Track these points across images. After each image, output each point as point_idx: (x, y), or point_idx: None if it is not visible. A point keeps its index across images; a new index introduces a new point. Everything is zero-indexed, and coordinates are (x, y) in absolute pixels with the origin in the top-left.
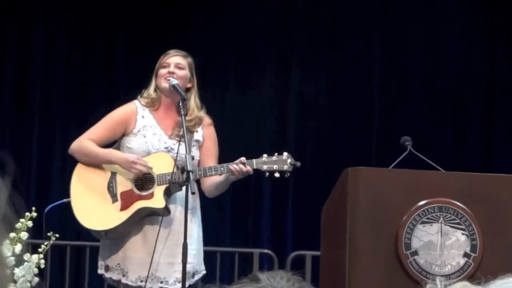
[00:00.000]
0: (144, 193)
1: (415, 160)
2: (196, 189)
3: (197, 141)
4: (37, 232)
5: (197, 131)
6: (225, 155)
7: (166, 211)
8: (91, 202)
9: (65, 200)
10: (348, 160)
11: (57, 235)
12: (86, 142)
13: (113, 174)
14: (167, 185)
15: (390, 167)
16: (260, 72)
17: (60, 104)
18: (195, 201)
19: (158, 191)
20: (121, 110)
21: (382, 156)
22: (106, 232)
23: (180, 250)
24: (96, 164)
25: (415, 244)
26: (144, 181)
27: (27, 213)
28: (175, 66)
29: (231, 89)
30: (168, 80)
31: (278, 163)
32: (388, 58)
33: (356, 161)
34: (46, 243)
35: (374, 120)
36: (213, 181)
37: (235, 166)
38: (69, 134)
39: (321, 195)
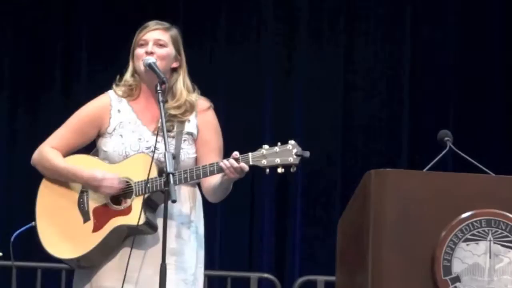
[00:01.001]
0: (120, 208)
1: (457, 160)
2: (184, 196)
3: (190, 133)
4: None
5: (189, 120)
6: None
7: (148, 228)
8: (59, 224)
9: (33, 223)
10: (370, 161)
11: (0, 254)
12: (46, 152)
13: (85, 187)
14: (147, 194)
15: (425, 169)
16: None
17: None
18: (192, 212)
19: (136, 203)
20: (90, 106)
21: (414, 155)
22: (77, 259)
23: (173, 276)
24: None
25: (457, 267)
26: (122, 192)
27: None
28: (155, 43)
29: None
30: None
31: (281, 155)
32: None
33: (381, 162)
34: None
35: (403, 111)
36: (209, 183)
37: (225, 162)
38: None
39: (337, 205)
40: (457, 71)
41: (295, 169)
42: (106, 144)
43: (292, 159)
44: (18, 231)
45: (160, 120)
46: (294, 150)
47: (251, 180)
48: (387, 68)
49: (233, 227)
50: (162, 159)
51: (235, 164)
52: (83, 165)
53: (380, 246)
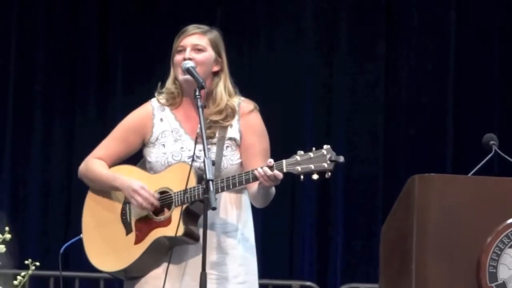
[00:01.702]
0: (160, 219)
1: (502, 164)
2: (228, 203)
3: (233, 139)
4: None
5: (231, 126)
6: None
7: (188, 238)
8: (103, 236)
9: (81, 236)
10: (414, 166)
11: (37, 263)
12: (92, 163)
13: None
14: (186, 205)
15: (470, 174)
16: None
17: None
18: (238, 219)
19: (175, 214)
20: (133, 115)
21: (459, 160)
22: (123, 271)
23: (214, 287)
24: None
25: (503, 274)
26: (163, 203)
27: None
28: (192, 48)
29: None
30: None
31: (315, 161)
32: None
33: (426, 167)
34: (23, 273)
35: (448, 114)
36: (252, 190)
37: (259, 170)
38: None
39: (379, 211)
40: (502, 74)
41: (329, 175)
42: (150, 154)
43: (326, 165)
44: (67, 243)
45: (206, 128)
46: (328, 156)
47: (291, 187)
48: (430, 75)
49: (274, 234)
50: (203, 166)
51: (269, 172)
52: (126, 174)
53: (424, 253)
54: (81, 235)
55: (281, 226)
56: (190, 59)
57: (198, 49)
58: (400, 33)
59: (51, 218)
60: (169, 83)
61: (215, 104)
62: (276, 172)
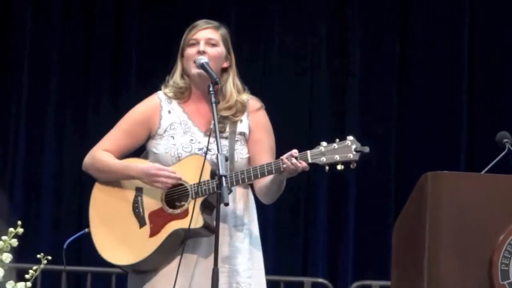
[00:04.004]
0: (176, 211)
1: None
2: (237, 197)
3: (242, 133)
4: (24, 253)
5: (241, 121)
6: None
7: (206, 230)
8: (114, 229)
9: (86, 230)
10: (427, 163)
11: (49, 258)
12: (100, 155)
13: (139, 190)
14: (203, 197)
15: (483, 172)
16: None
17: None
18: (245, 214)
19: (192, 206)
20: (141, 107)
21: (473, 157)
22: (135, 265)
23: (225, 280)
24: (115, 180)
25: None
26: (177, 195)
27: (11, 229)
28: (206, 42)
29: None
30: (195, 61)
31: (340, 151)
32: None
33: (439, 164)
34: (35, 267)
35: (462, 111)
36: (262, 184)
37: (286, 162)
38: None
39: (392, 208)
40: None
41: (355, 165)
42: (157, 146)
43: (351, 155)
44: (71, 238)
45: (212, 121)
46: (353, 146)
47: (306, 184)
48: (445, 72)
49: (286, 231)
50: (215, 160)
51: (299, 164)
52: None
53: (436, 250)
54: (87, 229)
55: (294, 223)
56: (204, 52)
57: (211, 44)
58: (413, 30)
59: (63, 213)
60: (177, 77)
61: (225, 100)
62: (303, 163)
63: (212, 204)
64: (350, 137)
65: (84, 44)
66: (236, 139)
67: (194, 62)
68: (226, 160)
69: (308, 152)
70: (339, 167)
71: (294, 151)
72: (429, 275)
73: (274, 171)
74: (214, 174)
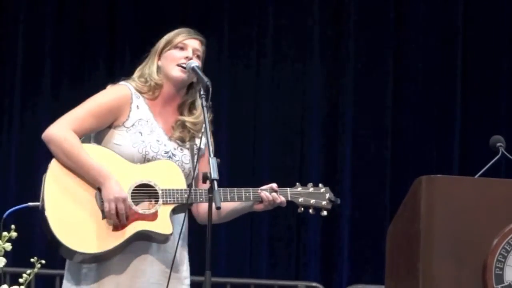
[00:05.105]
0: (146, 212)
1: (510, 166)
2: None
3: (199, 149)
4: (18, 258)
5: (199, 137)
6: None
7: (169, 237)
8: (74, 214)
9: (30, 204)
10: (421, 168)
11: (43, 262)
12: (70, 137)
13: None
14: (175, 205)
15: (477, 176)
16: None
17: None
18: (186, 224)
19: (164, 211)
20: (112, 94)
21: (466, 161)
22: (94, 256)
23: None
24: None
25: (509, 276)
26: (142, 194)
27: (4, 233)
28: (194, 52)
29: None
30: (184, 65)
31: (315, 197)
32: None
33: (432, 168)
34: (28, 271)
35: (455, 115)
36: (226, 207)
37: (266, 194)
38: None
39: (386, 212)
40: (510, 75)
41: (325, 213)
42: (121, 138)
43: (325, 203)
44: (13, 209)
45: (178, 128)
46: (327, 195)
47: None
48: (438, 74)
49: (279, 235)
50: (183, 169)
51: (278, 199)
52: (108, 162)
53: (430, 254)
54: (32, 203)
55: (287, 226)
56: (191, 59)
57: (197, 55)
58: (407, 32)
59: None
60: (153, 73)
61: (194, 116)
62: (282, 199)
63: (176, 212)
64: (322, 185)
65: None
66: (194, 152)
67: (180, 65)
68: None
69: (288, 189)
70: (311, 211)
71: (274, 185)
72: (423, 279)
73: (252, 199)
74: (206, 178)
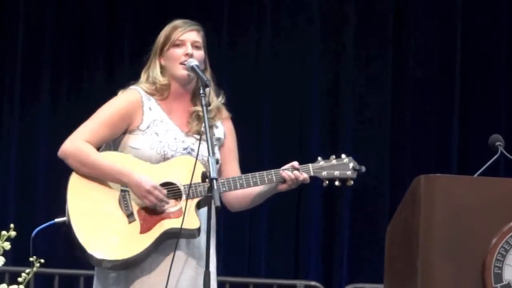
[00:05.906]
0: (171, 210)
1: (508, 166)
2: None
3: (218, 139)
4: (18, 257)
5: (216, 126)
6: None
7: (198, 232)
8: (99, 224)
9: (57, 220)
10: (420, 166)
11: (42, 261)
12: (84, 147)
13: (125, 186)
14: (199, 198)
15: (476, 175)
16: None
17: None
18: (214, 219)
19: (189, 207)
20: (122, 100)
21: (465, 160)
22: (125, 262)
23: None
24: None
25: (508, 275)
26: (172, 195)
27: (3, 232)
28: (192, 45)
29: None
30: (185, 63)
31: (339, 168)
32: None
33: (431, 167)
34: (27, 270)
35: (454, 114)
36: (246, 191)
37: (288, 173)
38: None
39: (386, 211)
40: (510, 74)
41: (351, 183)
42: (138, 142)
43: (350, 173)
44: (39, 227)
45: (194, 121)
46: (351, 164)
47: (299, 186)
48: (437, 73)
49: (279, 234)
50: (207, 162)
51: (300, 176)
52: (125, 164)
53: (429, 253)
54: (59, 219)
55: (287, 225)
56: (191, 55)
57: (196, 46)
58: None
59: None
60: (158, 74)
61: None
62: (305, 175)
63: (200, 206)
64: (345, 156)
65: (77, 23)
66: (214, 143)
67: (182, 63)
68: (217, 163)
69: (310, 165)
70: (337, 183)
71: (295, 163)
72: (422, 278)
73: (275, 180)
74: (205, 176)
